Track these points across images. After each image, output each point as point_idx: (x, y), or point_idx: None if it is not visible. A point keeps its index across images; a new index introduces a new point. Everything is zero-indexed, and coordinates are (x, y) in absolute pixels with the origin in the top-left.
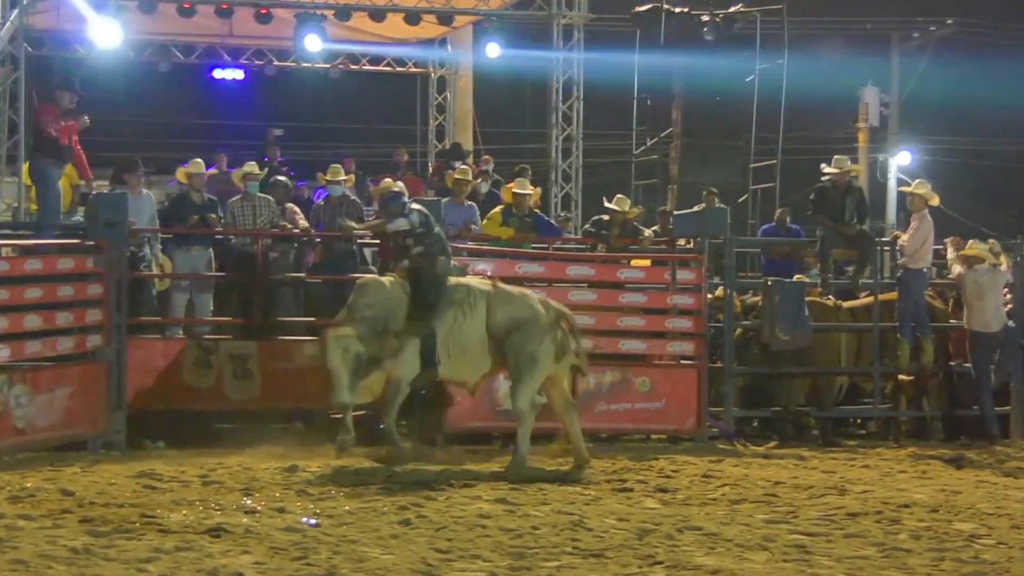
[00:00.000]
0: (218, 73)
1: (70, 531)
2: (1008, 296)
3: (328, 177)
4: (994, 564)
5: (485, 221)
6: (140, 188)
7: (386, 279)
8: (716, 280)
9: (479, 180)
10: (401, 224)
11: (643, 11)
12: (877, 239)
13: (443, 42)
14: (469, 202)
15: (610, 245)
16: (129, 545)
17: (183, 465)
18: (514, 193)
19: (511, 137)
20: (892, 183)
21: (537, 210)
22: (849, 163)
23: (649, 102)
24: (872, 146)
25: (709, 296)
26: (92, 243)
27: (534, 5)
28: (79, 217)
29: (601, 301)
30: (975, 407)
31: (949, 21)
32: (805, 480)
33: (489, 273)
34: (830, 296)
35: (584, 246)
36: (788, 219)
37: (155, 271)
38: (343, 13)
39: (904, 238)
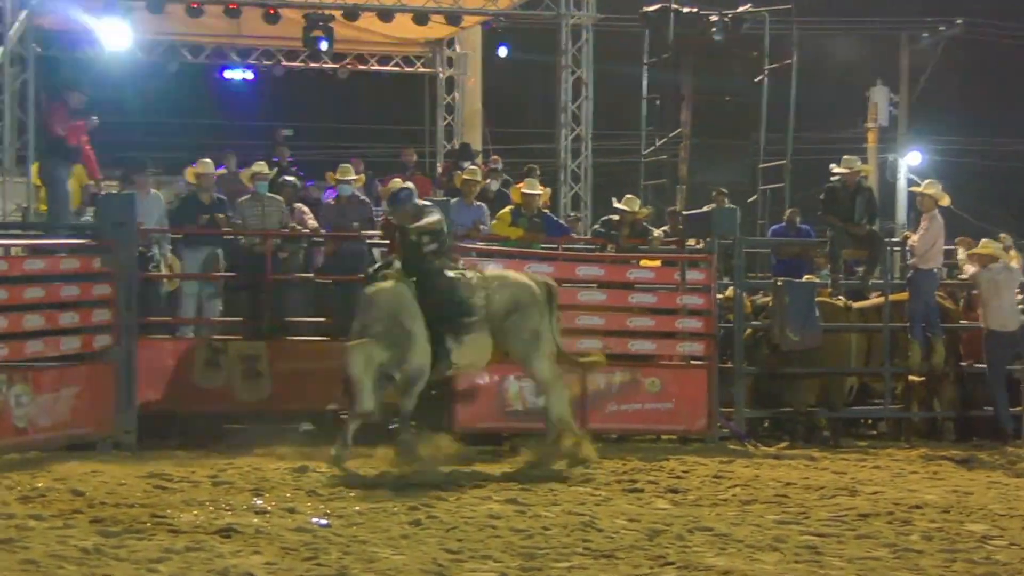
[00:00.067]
0: (227, 73)
1: (81, 531)
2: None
3: (338, 176)
4: (1006, 565)
5: (494, 221)
6: (149, 188)
7: (389, 283)
8: (726, 280)
9: (488, 180)
10: (435, 217)
11: (652, 11)
12: (887, 239)
13: (451, 42)
14: (478, 202)
15: (620, 245)
16: (140, 545)
17: (193, 465)
18: (523, 193)
19: (520, 137)
20: (902, 183)
21: (546, 210)
22: (859, 163)
23: (658, 102)
24: (881, 146)
25: (719, 296)
26: (101, 243)
27: (542, 5)
28: (88, 217)
29: (611, 301)
30: (987, 407)
31: (959, 20)
32: (816, 481)
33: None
34: (840, 296)
35: (594, 246)
36: (798, 219)
37: (164, 271)
38: (351, 13)
39: (914, 238)
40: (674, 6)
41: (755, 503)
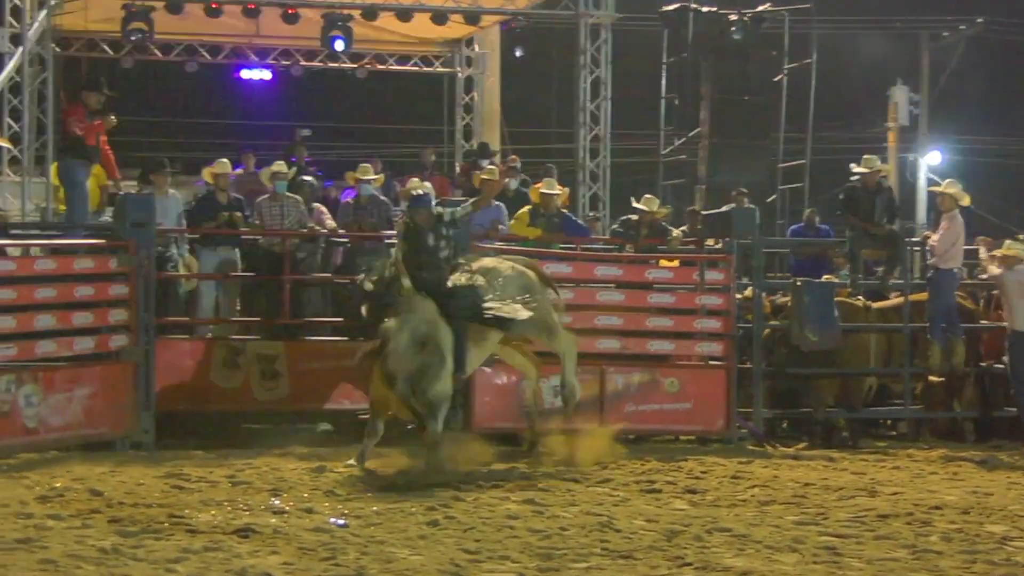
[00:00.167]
0: (245, 73)
1: (99, 531)
2: None
3: (359, 175)
4: None
5: (513, 221)
6: (167, 188)
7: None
8: (745, 280)
9: (507, 180)
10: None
11: (670, 11)
12: (907, 239)
13: (470, 42)
14: (496, 202)
15: (638, 245)
16: (158, 545)
17: (211, 466)
18: (542, 193)
19: (538, 137)
20: (922, 183)
21: (565, 210)
22: (879, 163)
23: (677, 101)
24: (902, 145)
25: (738, 296)
26: (119, 243)
27: (561, 5)
28: (107, 217)
29: (629, 302)
30: (1007, 408)
31: (979, 20)
32: (835, 481)
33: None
34: (859, 297)
35: (612, 246)
36: (817, 219)
37: (182, 271)
38: (370, 13)
39: (934, 238)
40: (693, 5)
41: (774, 504)
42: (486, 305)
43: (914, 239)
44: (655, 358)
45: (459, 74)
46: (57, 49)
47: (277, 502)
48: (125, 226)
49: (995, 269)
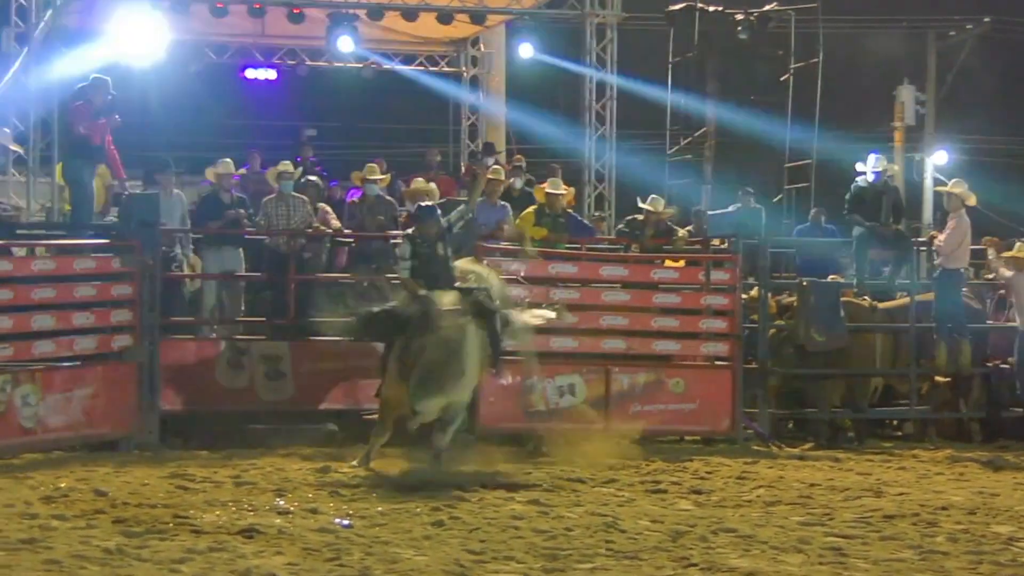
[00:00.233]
0: (250, 73)
1: (103, 531)
2: None
3: (366, 175)
4: None
5: (518, 221)
6: (171, 188)
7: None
8: (751, 280)
9: (512, 179)
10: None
11: (677, 10)
12: (913, 239)
13: (475, 41)
14: (502, 202)
15: (644, 245)
16: (162, 546)
17: (215, 466)
18: (547, 193)
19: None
20: (928, 182)
21: (570, 210)
22: (885, 162)
23: (683, 101)
24: (908, 145)
25: (744, 296)
26: (125, 243)
27: (567, 4)
28: (112, 217)
29: (635, 301)
30: (1014, 408)
31: (986, 19)
32: (841, 482)
33: (522, 274)
34: (866, 297)
35: (618, 246)
36: (823, 219)
37: (186, 271)
38: (376, 13)
39: (941, 238)
40: (699, 5)
41: (779, 504)
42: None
43: (920, 239)
44: (660, 358)
45: (464, 74)
46: (63, 49)
47: (282, 502)
48: (131, 226)
49: (1007, 271)
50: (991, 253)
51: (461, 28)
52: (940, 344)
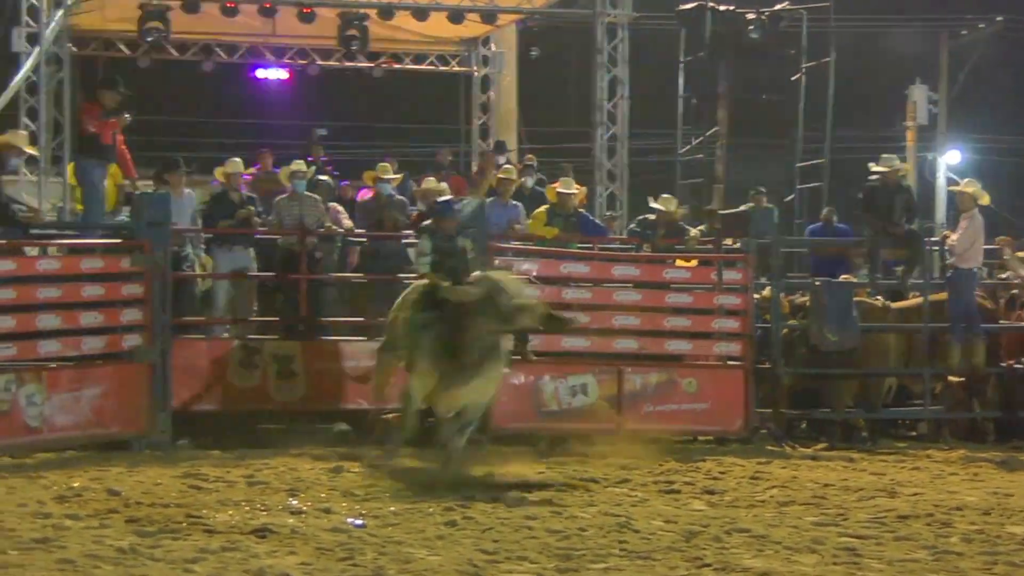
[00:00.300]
0: (261, 73)
1: (117, 531)
2: None
3: (379, 174)
4: None
5: (530, 221)
6: (182, 188)
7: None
8: (763, 280)
9: (524, 178)
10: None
11: (688, 9)
12: (926, 239)
13: (486, 41)
14: (514, 201)
15: (656, 245)
16: (175, 545)
17: (228, 466)
18: (559, 192)
19: (555, 136)
20: (941, 182)
21: (582, 210)
22: (897, 162)
23: (694, 101)
24: (920, 144)
25: (756, 296)
26: (136, 243)
27: (578, 3)
28: (123, 217)
29: (647, 301)
30: None
31: (999, 18)
32: (854, 482)
33: (534, 274)
34: (879, 297)
35: (630, 246)
36: (835, 218)
37: (197, 271)
38: (386, 12)
39: (953, 238)
40: (710, 4)
41: (793, 504)
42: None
43: (933, 238)
44: (673, 358)
45: (475, 73)
46: (74, 48)
47: (295, 502)
48: (141, 225)
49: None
50: (1007, 252)
51: (472, 27)
52: (953, 344)
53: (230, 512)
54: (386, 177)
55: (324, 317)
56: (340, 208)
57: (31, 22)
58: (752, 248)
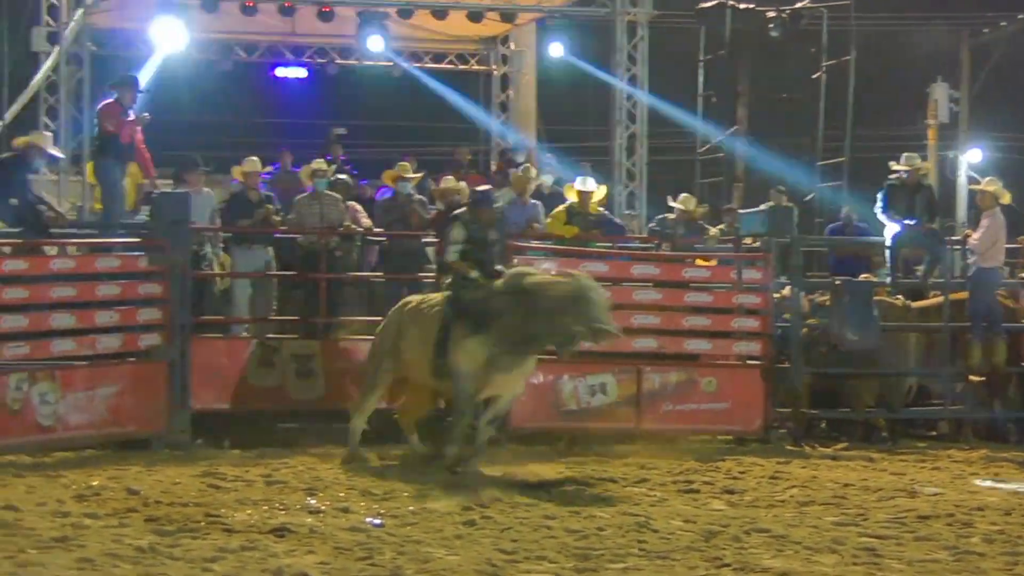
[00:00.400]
0: (280, 71)
1: (136, 530)
2: None
3: (399, 173)
4: None
5: (549, 220)
6: (200, 186)
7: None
8: (783, 279)
9: (543, 178)
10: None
11: (708, 7)
12: (947, 238)
13: (505, 39)
14: (533, 200)
15: (675, 244)
16: (194, 544)
17: (247, 465)
18: (578, 191)
19: (574, 135)
20: (962, 180)
21: (601, 209)
22: (918, 160)
23: (714, 99)
24: (942, 143)
25: (776, 295)
26: (156, 242)
27: (597, 2)
28: (142, 216)
29: (666, 300)
30: None
31: (1020, 16)
32: (874, 482)
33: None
34: (899, 296)
35: (649, 245)
36: (855, 217)
37: (216, 270)
38: (406, 11)
39: (975, 236)
40: (731, 2)
41: (813, 504)
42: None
43: (954, 237)
44: (692, 357)
45: (495, 72)
46: (93, 47)
47: (313, 501)
48: (161, 225)
49: None
50: None
51: (491, 26)
52: (974, 343)
53: (249, 511)
54: (407, 176)
55: (343, 316)
56: (359, 207)
57: (51, 21)
58: (772, 247)
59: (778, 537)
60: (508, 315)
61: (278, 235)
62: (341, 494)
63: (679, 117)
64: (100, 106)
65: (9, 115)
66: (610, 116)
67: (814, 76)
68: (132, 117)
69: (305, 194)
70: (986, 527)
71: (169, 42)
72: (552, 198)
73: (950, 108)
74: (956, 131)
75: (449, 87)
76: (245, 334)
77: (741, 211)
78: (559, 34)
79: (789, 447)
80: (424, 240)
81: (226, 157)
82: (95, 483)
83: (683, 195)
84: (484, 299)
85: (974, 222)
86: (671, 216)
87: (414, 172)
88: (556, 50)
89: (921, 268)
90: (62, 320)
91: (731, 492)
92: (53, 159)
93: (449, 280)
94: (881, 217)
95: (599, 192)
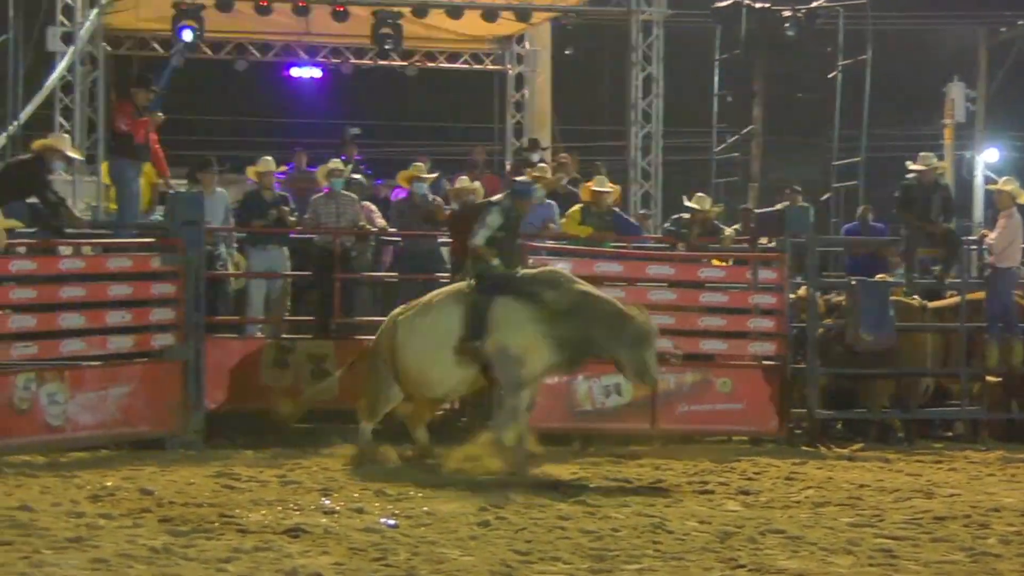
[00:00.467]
0: (295, 71)
1: (150, 530)
2: None
3: (414, 173)
4: None
5: (564, 219)
6: (214, 187)
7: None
8: (799, 280)
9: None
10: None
11: (723, 6)
12: (964, 237)
13: (520, 39)
14: (548, 200)
15: (690, 244)
16: (208, 545)
17: (261, 465)
18: (593, 191)
19: (589, 134)
20: (979, 180)
21: (616, 208)
22: (935, 160)
23: (730, 99)
24: (958, 143)
25: (791, 296)
26: (170, 242)
27: (613, 1)
28: (156, 216)
29: (681, 301)
30: None
31: None
32: (890, 483)
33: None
34: (915, 296)
35: (664, 245)
36: (871, 217)
37: (231, 270)
38: (420, 10)
39: (991, 236)
40: (746, 1)
41: (828, 505)
42: None
43: (971, 237)
44: (707, 358)
45: (509, 71)
46: (108, 48)
47: (327, 502)
48: (175, 225)
49: None
50: None
51: (506, 25)
52: (991, 344)
53: (263, 512)
54: (422, 176)
55: (358, 316)
56: (373, 207)
57: (66, 21)
58: (788, 247)
59: (793, 538)
60: (567, 315)
61: (293, 235)
62: (355, 494)
63: (694, 116)
64: (115, 106)
65: (24, 115)
66: (625, 116)
67: (830, 75)
68: (146, 117)
69: (321, 194)
70: (1003, 528)
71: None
72: (567, 198)
73: (967, 107)
74: (973, 131)
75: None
76: (259, 334)
77: (757, 211)
78: (574, 33)
79: (804, 448)
80: (440, 240)
81: (240, 157)
82: (109, 483)
83: (698, 195)
84: (530, 282)
85: (991, 222)
86: (686, 216)
87: (428, 172)
88: (571, 49)
89: (938, 268)
90: (72, 320)
91: (746, 493)
92: (71, 161)
93: (472, 261)
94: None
95: (614, 192)
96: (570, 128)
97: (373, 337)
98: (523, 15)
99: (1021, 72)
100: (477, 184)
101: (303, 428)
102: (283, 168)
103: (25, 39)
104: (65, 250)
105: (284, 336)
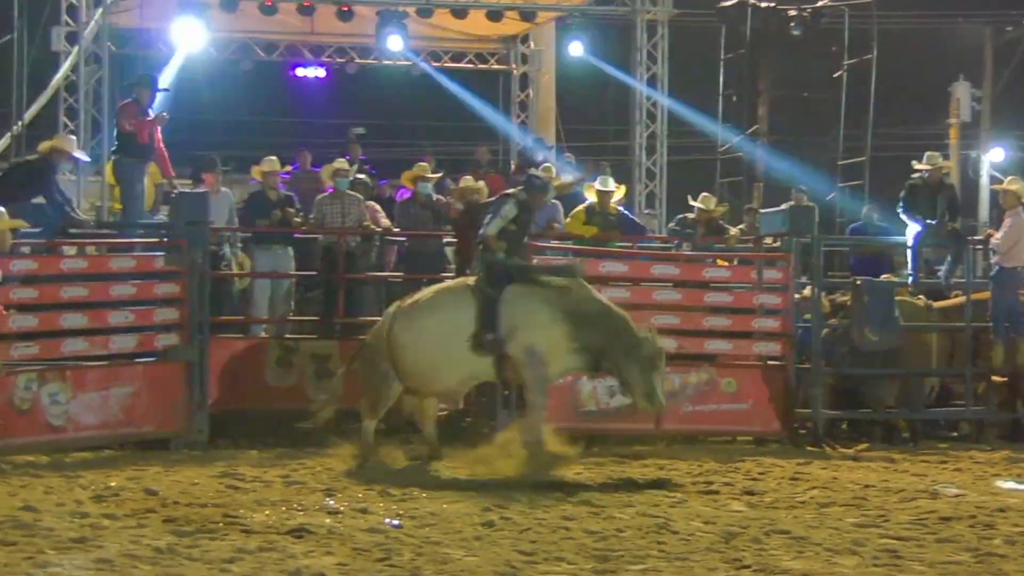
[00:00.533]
0: (300, 71)
1: (154, 530)
2: None
3: (418, 173)
4: None
5: (568, 219)
6: (218, 186)
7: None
8: (804, 279)
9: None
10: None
11: (728, 6)
12: (969, 237)
13: (525, 38)
14: (553, 200)
15: (695, 244)
16: (212, 545)
17: (265, 465)
18: (598, 191)
19: (594, 134)
20: (984, 180)
21: (621, 208)
22: (940, 160)
23: (735, 98)
24: (964, 142)
25: (797, 296)
26: (174, 242)
27: (617, 0)
28: (161, 216)
29: (686, 301)
30: None
31: None
32: (895, 483)
33: None
34: (921, 296)
35: (669, 245)
36: (876, 217)
37: (235, 270)
38: (425, 10)
39: (997, 236)
40: (751, 1)
41: (833, 505)
42: None
43: (976, 237)
44: (712, 358)
45: (514, 71)
46: (113, 47)
47: (331, 502)
48: (179, 224)
49: None
50: None
51: (511, 25)
52: (997, 343)
53: (267, 512)
54: (426, 176)
55: (362, 316)
56: (377, 207)
57: (70, 21)
58: (793, 247)
59: (798, 539)
60: (591, 323)
61: (297, 235)
62: (359, 495)
63: (699, 116)
64: (119, 106)
65: (28, 115)
66: (630, 115)
67: (835, 75)
68: (151, 117)
69: (326, 194)
70: (1008, 529)
71: (188, 42)
72: (571, 198)
73: (972, 107)
74: (978, 130)
75: (468, 87)
76: (264, 334)
77: (761, 211)
78: (579, 33)
79: (809, 448)
80: (445, 240)
81: (245, 157)
82: (113, 484)
83: (703, 194)
84: (544, 272)
85: (996, 222)
86: (691, 216)
87: (433, 172)
88: (576, 49)
89: (943, 268)
90: (74, 320)
91: (751, 493)
92: (78, 162)
93: (482, 252)
94: (903, 217)
95: (618, 192)
96: (574, 128)
97: None
98: (528, 15)
99: None
100: (481, 184)
101: (307, 428)
102: (288, 168)
103: (30, 39)
104: (69, 250)
105: (288, 336)
